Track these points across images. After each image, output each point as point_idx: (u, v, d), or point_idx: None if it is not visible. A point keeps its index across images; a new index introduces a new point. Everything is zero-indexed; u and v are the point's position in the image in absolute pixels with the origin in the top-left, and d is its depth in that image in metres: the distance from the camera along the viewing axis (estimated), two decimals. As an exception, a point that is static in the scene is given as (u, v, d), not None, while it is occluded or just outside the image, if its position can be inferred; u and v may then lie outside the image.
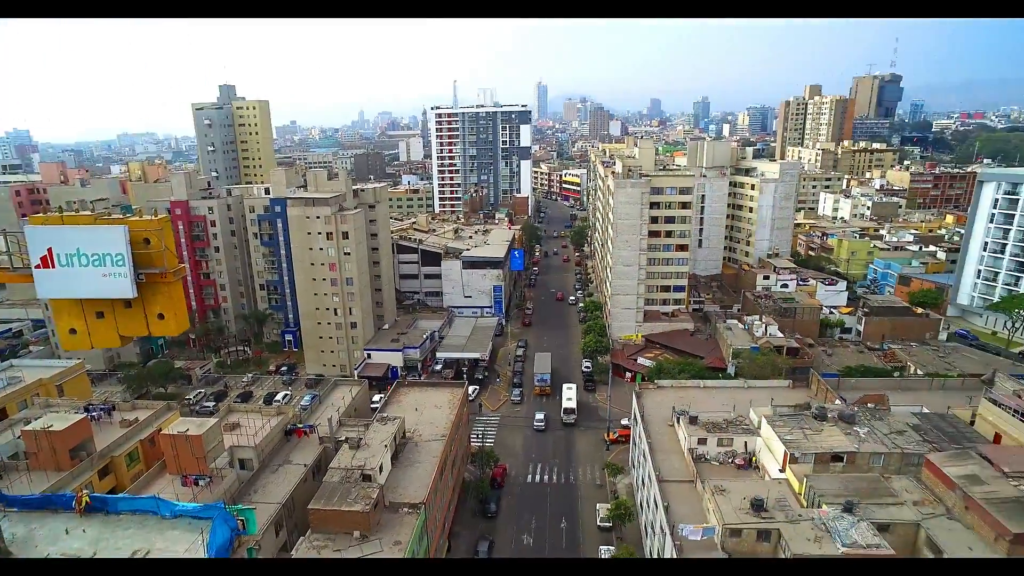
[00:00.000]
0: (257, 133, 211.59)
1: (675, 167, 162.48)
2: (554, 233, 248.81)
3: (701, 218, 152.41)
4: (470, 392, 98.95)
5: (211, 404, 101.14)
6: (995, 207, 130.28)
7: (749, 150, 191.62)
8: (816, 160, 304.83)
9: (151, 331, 32.67)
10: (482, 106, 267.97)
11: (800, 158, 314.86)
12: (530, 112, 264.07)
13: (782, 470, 56.79)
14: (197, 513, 46.86)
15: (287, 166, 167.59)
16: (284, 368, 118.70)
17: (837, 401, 71.94)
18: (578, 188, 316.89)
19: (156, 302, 31.67)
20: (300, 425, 69.98)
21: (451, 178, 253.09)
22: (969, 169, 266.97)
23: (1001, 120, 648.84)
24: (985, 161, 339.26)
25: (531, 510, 77.38)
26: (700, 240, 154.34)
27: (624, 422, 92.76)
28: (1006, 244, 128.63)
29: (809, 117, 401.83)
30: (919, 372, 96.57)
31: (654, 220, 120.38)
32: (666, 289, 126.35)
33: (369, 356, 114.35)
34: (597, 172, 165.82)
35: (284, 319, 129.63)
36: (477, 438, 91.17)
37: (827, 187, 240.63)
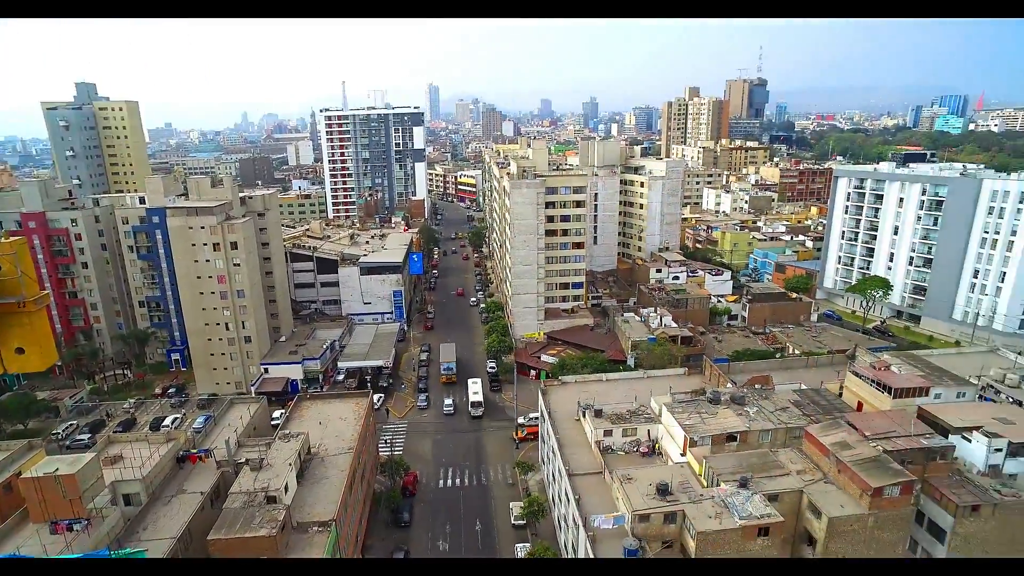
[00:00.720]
0: (126, 137, 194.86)
1: (568, 167, 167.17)
2: (452, 235, 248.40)
3: (595, 216, 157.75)
4: (375, 400, 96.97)
5: (85, 437, 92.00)
6: (848, 200, 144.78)
7: (637, 149, 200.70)
8: (698, 157, 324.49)
9: (7, 368, 29.32)
10: (373, 108, 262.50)
11: (684, 156, 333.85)
12: (422, 114, 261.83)
13: (683, 454, 60.07)
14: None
15: (164, 172, 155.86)
16: (172, 390, 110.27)
17: (729, 384, 77.11)
18: (474, 189, 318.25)
19: (13, 335, 28.24)
20: (194, 450, 65.50)
21: (344, 182, 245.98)
22: (826, 165, 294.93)
23: (847, 122, 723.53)
24: (838, 158, 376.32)
25: (445, 515, 76.91)
26: (595, 237, 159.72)
27: (523, 420, 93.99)
28: (858, 232, 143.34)
29: (690, 117, 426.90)
30: (796, 352, 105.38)
31: (550, 219, 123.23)
32: (565, 286, 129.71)
33: (267, 371, 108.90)
34: (492, 173, 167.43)
35: (169, 337, 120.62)
36: (386, 447, 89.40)
37: (709, 183, 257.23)
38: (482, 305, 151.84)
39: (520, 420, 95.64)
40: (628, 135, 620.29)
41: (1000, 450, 55.03)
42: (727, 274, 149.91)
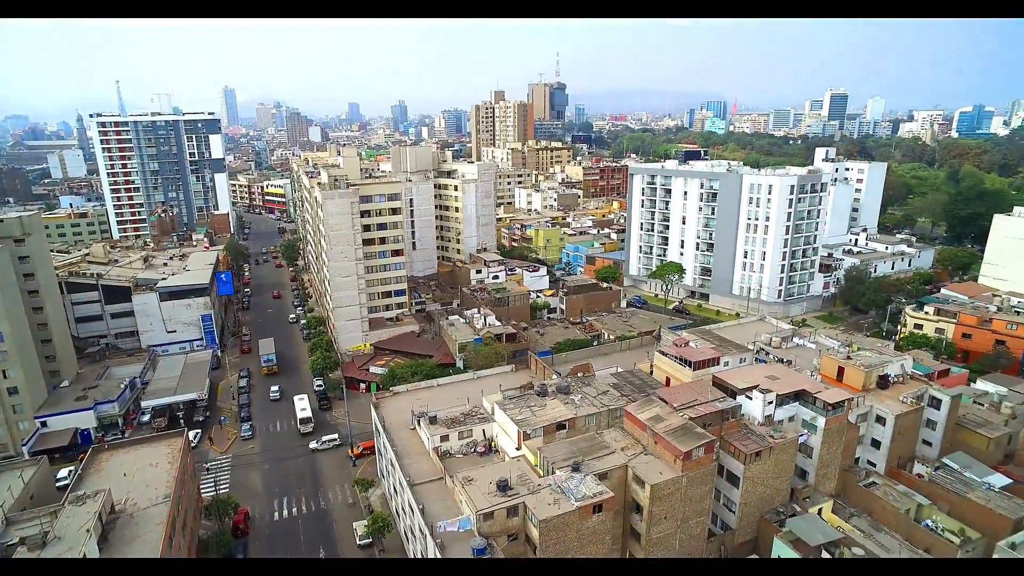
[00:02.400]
0: None
1: (381, 173, 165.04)
2: (263, 250, 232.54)
3: (412, 221, 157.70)
4: (191, 438, 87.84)
5: None
6: (643, 194, 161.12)
7: (449, 152, 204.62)
8: (507, 159, 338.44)
9: None
10: (159, 114, 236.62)
11: (494, 157, 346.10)
12: (219, 120, 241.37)
13: (519, 448, 62.67)
14: None
15: None
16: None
17: (554, 376, 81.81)
18: (283, 200, 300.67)
19: None
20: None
21: (130, 198, 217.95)
22: (623, 163, 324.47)
23: (637, 122, 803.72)
24: (632, 156, 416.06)
25: (284, 549, 72.21)
26: (414, 243, 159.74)
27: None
28: (654, 223, 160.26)
29: (497, 120, 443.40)
30: (611, 337, 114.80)
31: (367, 228, 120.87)
32: (388, 295, 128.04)
33: (44, 424, 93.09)
34: (302, 183, 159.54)
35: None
36: (210, 487, 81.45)
37: (520, 183, 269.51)
38: (303, 321, 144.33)
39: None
40: (439, 138, 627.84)
41: (771, 403, 65.18)
42: (543, 270, 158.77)
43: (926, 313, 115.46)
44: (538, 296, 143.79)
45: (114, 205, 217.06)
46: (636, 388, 75.03)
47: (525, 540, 52.58)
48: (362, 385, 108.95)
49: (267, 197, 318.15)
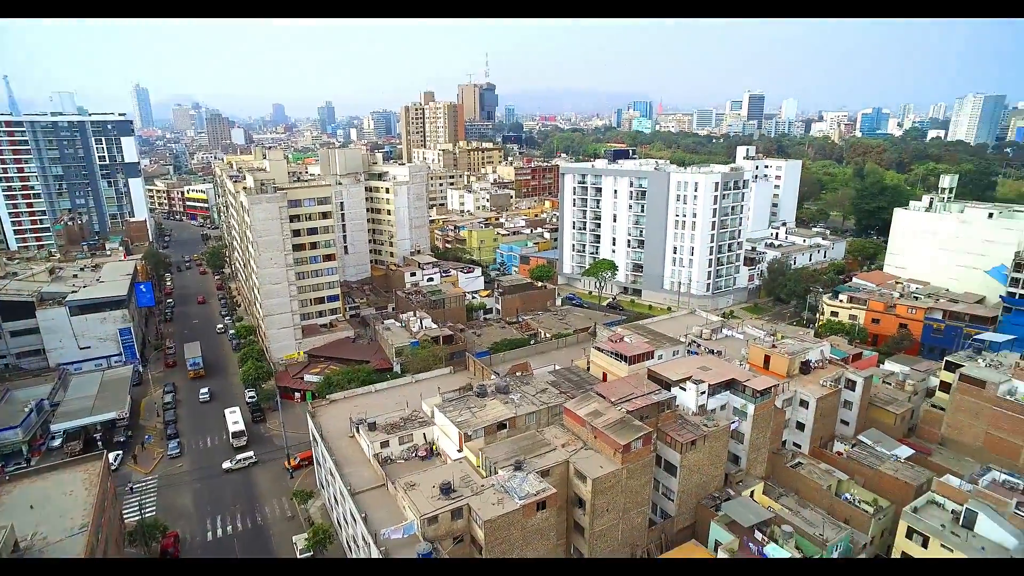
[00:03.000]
0: None
1: (309, 176, 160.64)
2: (186, 258, 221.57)
3: (343, 225, 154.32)
4: (112, 461, 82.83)
5: None
6: (574, 193, 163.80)
7: (379, 155, 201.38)
8: (439, 160, 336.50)
9: None
10: (61, 113, 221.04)
11: (425, 159, 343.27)
12: (131, 121, 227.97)
13: (460, 450, 62.46)
14: None
15: None
16: None
17: (493, 376, 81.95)
18: (206, 205, 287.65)
19: None
20: None
21: (29, 205, 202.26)
22: (553, 163, 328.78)
23: (567, 123, 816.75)
24: (562, 155, 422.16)
25: (216, 571, 69.04)
26: (346, 247, 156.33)
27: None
28: (586, 221, 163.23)
29: (427, 121, 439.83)
30: (547, 336, 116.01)
31: (296, 233, 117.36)
32: (320, 301, 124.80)
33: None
34: (227, 188, 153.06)
35: None
36: (135, 511, 76.95)
37: (452, 184, 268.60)
38: (232, 331, 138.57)
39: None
40: (368, 140, 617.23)
41: (704, 393, 67.67)
42: (478, 270, 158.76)
43: (840, 301, 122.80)
44: (474, 297, 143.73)
45: (9, 213, 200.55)
46: (574, 385, 76.20)
47: (471, 541, 52.48)
48: (297, 394, 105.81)
49: (188, 203, 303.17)
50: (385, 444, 67.60)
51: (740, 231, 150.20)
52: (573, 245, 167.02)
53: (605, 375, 79.22)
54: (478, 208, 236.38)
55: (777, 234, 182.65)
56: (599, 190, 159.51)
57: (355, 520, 58.28)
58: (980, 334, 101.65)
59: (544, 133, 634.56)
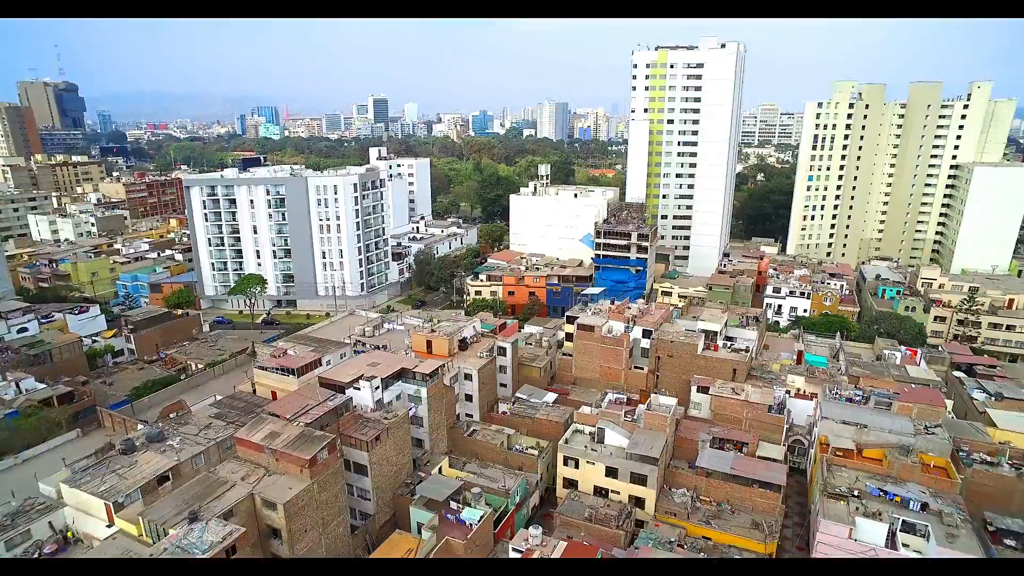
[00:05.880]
0: None
1: None
2: None
3: None
4: None
5: None
6: (205, 207, 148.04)
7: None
8: (6, 179, 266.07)
9: None
10: None
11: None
12: None
13: (111, 524, 51.49)
14: None
15: None
16: None
17: (140, 426, 69.56)
18: None
19: None
20: None
21: None
22: (174, 176, 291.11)
23: (182, 131, 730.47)
24: (183, 167, 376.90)
25: None
26: None
27: None
28: (223, 237, 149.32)
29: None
30: (200, 367, 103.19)
31: None
32: None
33: None
34: None
35: None
36: None
37: (35, 209, 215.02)
38: None
39: None
40: None
41: (378, 387, 69.20)
42: (95, 309, 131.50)
43: (481, 281, 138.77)
44: (95, 341, 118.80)
45: None
46: (243, 411, 69.80)
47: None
48: None
49: None
50: (-7, 551, 51.59)
51: (384, 228, 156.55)
52: (213, 264, 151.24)
53: (275, 393, 74.39)
54: (81, 235, 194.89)
55: (418, 227, 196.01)
56: (233, 201, 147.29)
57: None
58: (584, 290, 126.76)
59: (156, 143, 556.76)
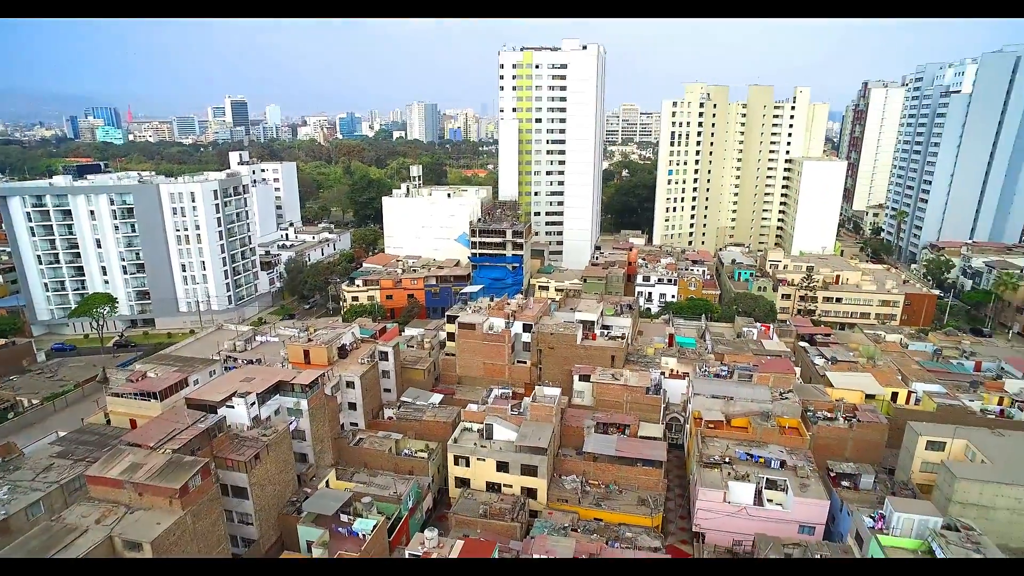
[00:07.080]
0: None
1: None
2: None
3: None
4: None
5: None
6: (31, 221, 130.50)
7: None
8: None
9: None
10: None
11: None
12: None
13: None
14: None
15: None
16: None
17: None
18: None
19: None
20: None
21: None
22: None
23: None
24: None
25: None
26: None
27: None
28: (57, 253, 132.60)
29: None
30: (36, 402, 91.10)
31: None
32: None
33: None
34: None
35: None
36: None
37: None
38: None
39: None
40: None
41: (254, 403, 64.85)
42: None
43: (357, 286, 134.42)
44: None
45: None
46: (95, 445, 62.40)
47: None
48: None
49: None
50: None
51: (250, 236, 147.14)
52: (47, 284, 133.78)
53: (134, 421, 67.30)
54: None
55: (287, 234, 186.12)
56: (68, 213, 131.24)
57: None
58: (463, 289, 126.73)
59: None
